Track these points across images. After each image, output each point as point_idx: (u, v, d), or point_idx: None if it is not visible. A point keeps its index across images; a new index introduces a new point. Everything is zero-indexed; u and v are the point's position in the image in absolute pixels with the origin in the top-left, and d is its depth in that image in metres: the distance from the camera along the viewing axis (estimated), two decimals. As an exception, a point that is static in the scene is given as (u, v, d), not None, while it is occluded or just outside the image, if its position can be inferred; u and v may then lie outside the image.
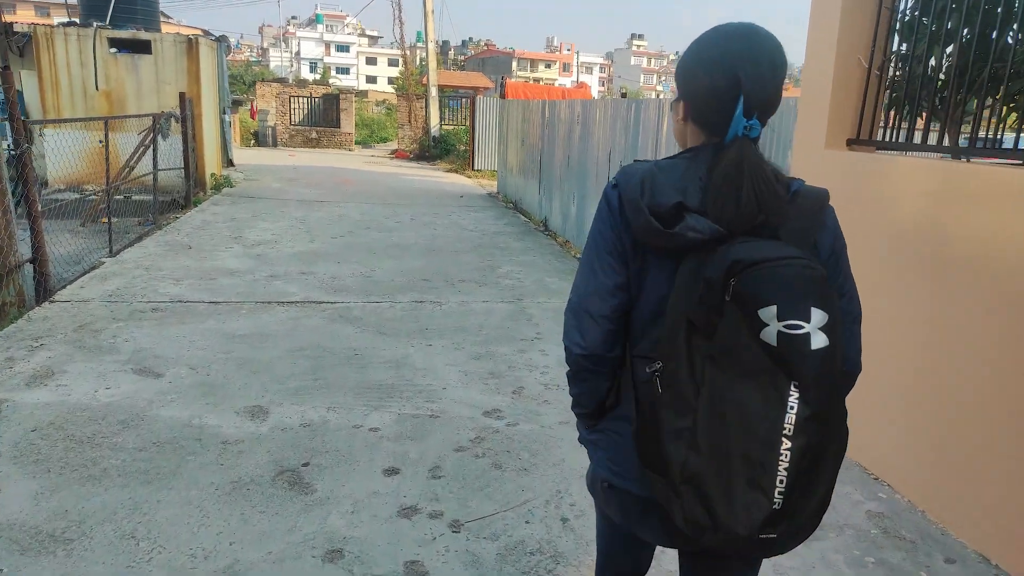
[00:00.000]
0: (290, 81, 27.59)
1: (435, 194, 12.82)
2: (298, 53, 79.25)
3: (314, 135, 23.33)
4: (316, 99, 24.07)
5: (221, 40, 13.16)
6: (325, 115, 23.91)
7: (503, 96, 14.49)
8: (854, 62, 3.51)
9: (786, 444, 1.07)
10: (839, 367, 1.12)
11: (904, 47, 3.44)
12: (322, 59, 77.41)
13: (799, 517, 1.13)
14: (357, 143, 25.49)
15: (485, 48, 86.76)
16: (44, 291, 5.39)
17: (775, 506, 1.09)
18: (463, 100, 23.78)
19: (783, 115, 4.11)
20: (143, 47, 10.62)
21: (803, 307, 1.08)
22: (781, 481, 1.08)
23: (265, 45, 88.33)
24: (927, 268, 2.95)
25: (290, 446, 3.26)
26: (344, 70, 76.16)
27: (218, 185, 11.60)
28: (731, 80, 1.19)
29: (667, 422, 1.16)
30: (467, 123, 22.12)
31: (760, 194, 1.17)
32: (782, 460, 1.08)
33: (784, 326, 1.07)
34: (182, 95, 10.04)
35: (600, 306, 1.30)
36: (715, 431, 1.11)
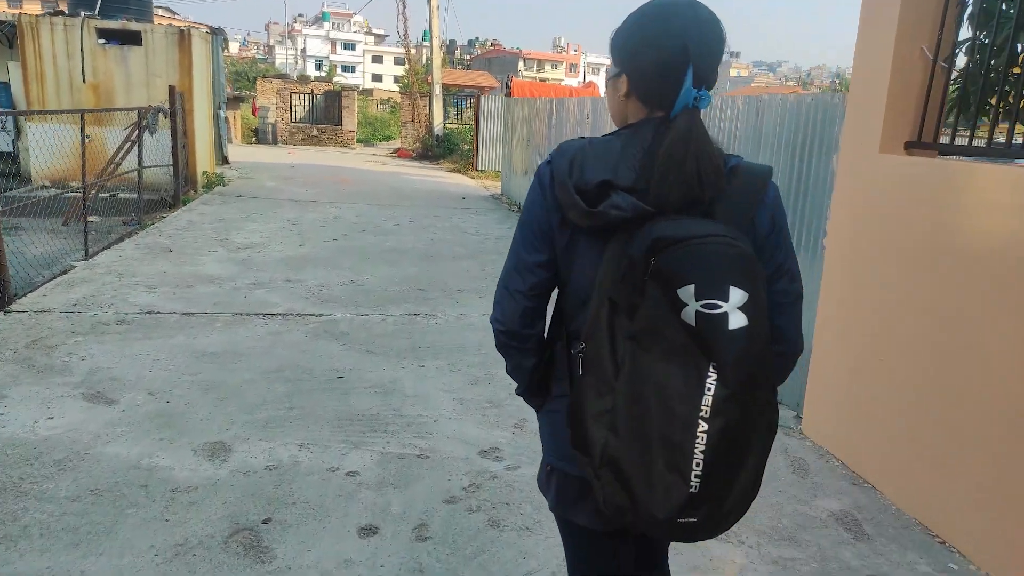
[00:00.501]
0: (292, 77, 27.13)
1: (436, 195, 12.34)
2: (304, 51, 78.94)
3: (315, 132, 22.87)
4: (318, 96, 23.62)
5: (216, 33, 12.69)
6: (327, 112, 23.46)
7: (509, 95, 13.99)
8: (916, 52, 3.01)
9: (703, 426, 1.05)
10: (762, 348, 1.10)
11: (980, 35, 2.93)
12: (328, 57, 77.12)
13: (723, 503, 1.10)
14: (359, 141, 25.03)
15: (491, 48, 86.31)
16: (2, 299, 4.92)
17: (692, 489, 1.06)
18: (468, 99, 23.31)
19: (826, 114, 3.61)
20: (133, 38, 10.16)
21: (721, 286, 1.06)
22: (698, 464, 1.06)
23: (271, 42, 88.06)
24: (1008, 295, 2.45)
25: (251, 495, 2.78)
26: (350, 68, 75.89)
27: (210, 183, 11.14)
28: (680, 51, 1.16)
29: (589, 403, 1.16)
30: (471, 122, 21.64)
31: (702, 170, 1.15)
32: (699, 443, 1.05)
33: (702, 305, 1.05)
34: (171, 88, 9.58)
35: (519, 282, 1.29)
36: (635, 413, 1.09)
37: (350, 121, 23.31)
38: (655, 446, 1.07)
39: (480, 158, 16.88)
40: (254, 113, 24.30)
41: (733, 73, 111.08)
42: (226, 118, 14.37)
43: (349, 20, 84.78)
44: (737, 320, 1.06)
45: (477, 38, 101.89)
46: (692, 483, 1.06)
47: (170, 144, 9.71)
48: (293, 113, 23.18)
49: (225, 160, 13.61)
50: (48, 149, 9.48)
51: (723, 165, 1.19)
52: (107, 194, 9.73)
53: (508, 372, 1.44)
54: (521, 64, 74.23)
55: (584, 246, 1.24)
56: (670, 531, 1.12)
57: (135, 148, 9.19)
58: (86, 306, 4.95)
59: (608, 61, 1.35)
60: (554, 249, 1.27)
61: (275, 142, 22.46)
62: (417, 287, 6.05)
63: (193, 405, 3.54)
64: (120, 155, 9.27)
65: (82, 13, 10.01)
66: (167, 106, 9.40)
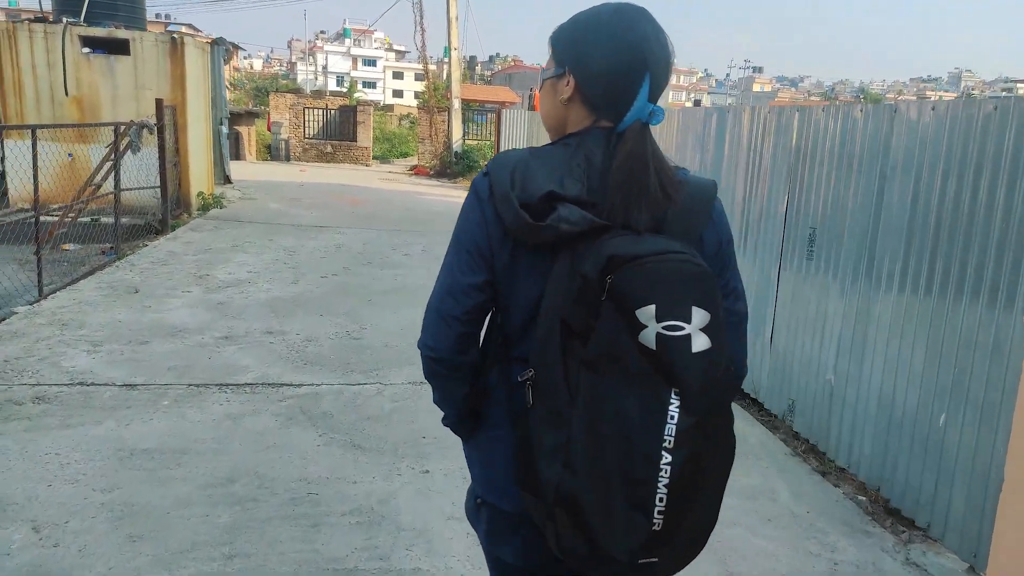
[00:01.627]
0: (306, 92, 26.37)
1: (453, 218, 11.01)
2: (325, 67, 79.05)
3: (329, 149, 21.98)
4: (332, 111, 22.76)
5: (218, 43, 11.79)
6: (341, 128, 22.58)
7: (533, 108, 12.92)
8: None
9: (666, 458, 0.98)
10: (724, 372, 1.04)
11: None
12: (349, 73, 77.09)
13: (682, 539, 1.03)
14: (375, 158, 24.11)
15: (512, 63, 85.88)
16: (-101, 364, 3.88)
17: (655, 527, 0.99)
18: (488, 114, 22.37)
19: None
20: (120, 47, 9.23)
21: (683, 307, 1.00)
22: (660, 499, 0.98)
23: (294, 59, 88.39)
24: None
25: None
26: (371, 84, 75.78)
27: (206, 206, 10.15)
28: (639, 61, 1.10)
29: (540, 437, 1.07)
30: (492, 138, 20.60)
31: (665, 185, 1.10)
32: (661, 476, 0.97)
33: (663, 327, 0.99)
34: (158, 102, 8.62)
35: (452, 306, 1.17)
36: (592, 446, 1.01)
37: (365, 137, 22.40)
38: (615, 482, 0.99)
39: (501, 176, 15.79)
40: (269, 129, 23.52)
41: (757, 88, 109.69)
42: (229, 134, 13.46)
43: (370, 36, 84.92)
44: (700, 343, 1.00)
45: (497, 54, 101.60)
46: (655, 520, 0.99)
47: (157, 164, 8.74)
48: (307, 129, 22.32)
49: (227, 179, 12.66)
50: (27, 169, 8.52)
51: (677, 179, 1.13)
52: (88, 218, 8.78)
53: (436, 402, 1.31)
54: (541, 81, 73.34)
55: (527, 264, 1.14)
56: (630, 574, 1.02)
57: (124, 166, 8.25)
58: (2, 375, 3.88)
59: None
60: (493, 269, 1.16)
61: (288, 159, 21.60)
62: (426, 341, 4.93)
63: (89, 550, 2.43)
64: (100, 175, 8.31)
65: (65, 20, 9.11)
66: (153, 121, 8.43)
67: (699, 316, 1.00)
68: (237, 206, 10.82)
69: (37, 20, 9.29)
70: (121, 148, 8.15)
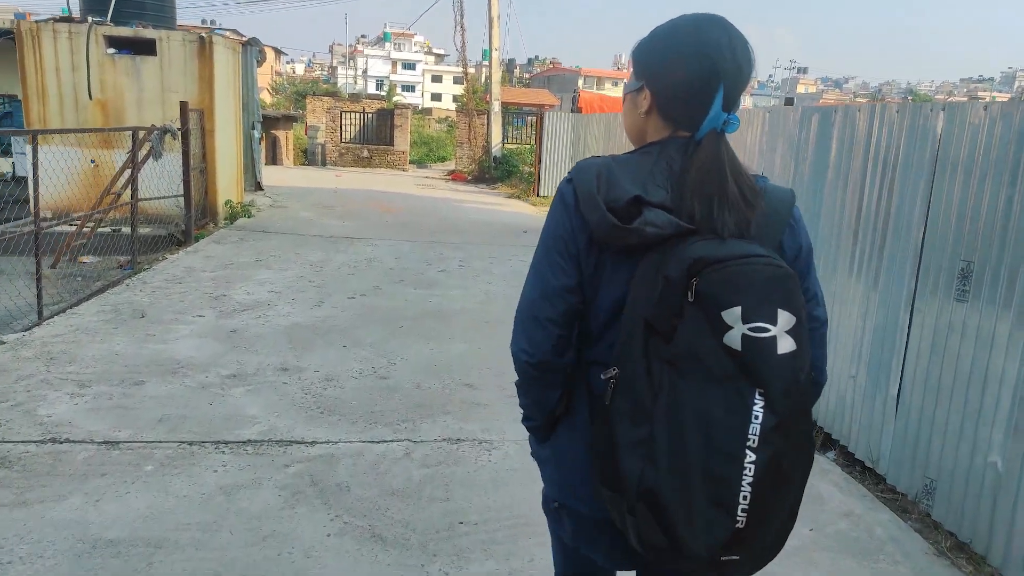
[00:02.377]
0: (344, 95, 26.02)
1: (493, 228, 10.53)
2: (366, 71, 79.44)
3: (365, 153, 21.51)
4: (369, 115, 22.30)
5: (250, 44, 11.30)
6: (378, 132, 22.11)
7: (577, 110, 12.14)
8: None
9: (750, 457, 0.99)
10: (807, 375, 1.06)
11: None
12: (388, 77, 77.31)
13: (763, 538, 1.05)
14: (412, 162, 23.61)
15: (551, 66, 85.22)
16: None
17: (738, 525, 1.00)
18: (527, 118, 21.67)
19: None
20: (147, 47, 8.76)
21: (769, 309, 1.01)
22: (744, 498, 0.99)
23: (335, 63, 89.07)
24: None
25: None
26: (410, 88, 75.90)
27: (234, 215, 9.63)
28: (711, 71, 1.12)
29: (622, 433, 1.08)
30: (532, 142, 19.90)
31: (744, 191, 1.11)
32: (746, 475, 0.99)
33: (749, 328, 1.00)
34: (183, 105, 8.10)
35: (549, 311, 1.20)
36: (674, 442, 1.02)
37: (403, 141, 21.88)
38: (695, 478, 1.00)
39: (543, 182, 15.05)
40: (307, 133, 23.19)
41: (801, 89, 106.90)
42: (263, 138, 13.00)
43: (410, 40, 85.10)
44: (786, 344, 1.01)
45: (536, 56, 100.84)
46: (739, 518, 0.99)
47: (181, 171, 8.23)
48: (343, 133, 21.91)
49: (259, 186, 12.17)
50: (50, 175, 8.06)
51: (759, 186, 1.14)
52: (108, 228, 8.31)
53: (524, 406, 1.32)
54: (581, 82, 72.58)
55: (611, 267, 1.17)
56: (712, 570, 1.04)
57: (141, 173, 7.76)
58: (-35, 426, 3.28)
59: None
60: (582, 272, 1.19)
61: (324, 164, 21.21)
62: (464, 381, 4.22)
63: None
64: (122, 184, 7.82)
65: (90, 19, 8.67)
66: (177, 126, 7.91)
67: (784, 318, 1.01)
68: (266, 215, 10.28)
69: (62, 20, 8.87)
70: (142, 154, 7.65)
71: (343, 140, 21.85)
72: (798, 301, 1.04)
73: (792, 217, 1.18)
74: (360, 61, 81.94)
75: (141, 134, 7.32)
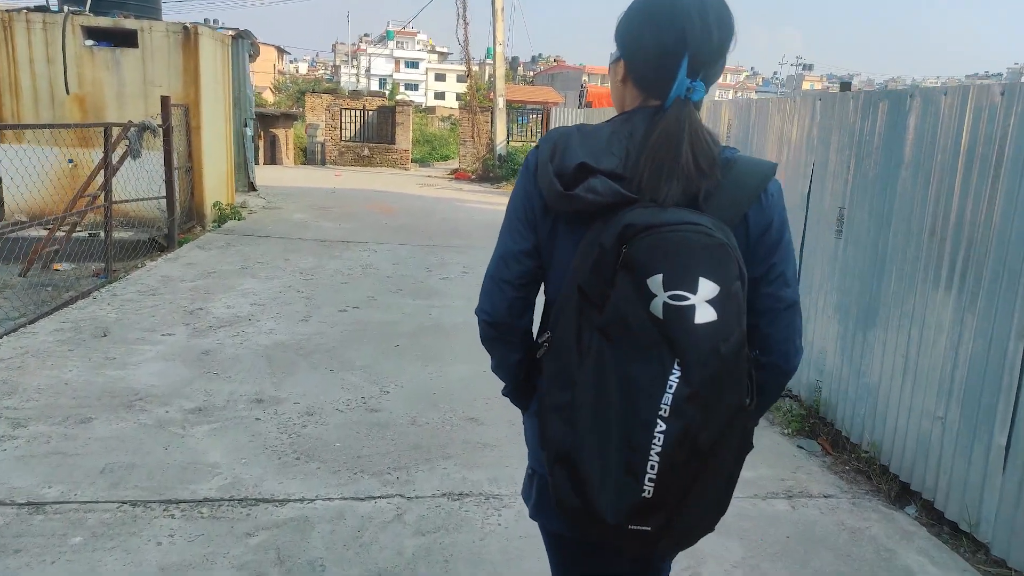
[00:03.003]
0: (344, 92, 25.43)
1: (497, 230, 9.91)
2: (368, 70, 78.93)
3: (366, 152, 20.92)
4: (370, 112, 21.69)
5: (241, 37, 10.71)
6: (379, 130, 21.51)
7: (587, 104, 11.54)
8: None
9: (660, 426, 0.99)
10: (733, 349, 1.01)
11: None
12: (391, 75, 76.78)
13: (682, 514, 1.03)
14: (414, 161, 23.01)
15: (554, 64, 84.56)
16: None
17: (645, 494, 1.00)
18: (531, 115, 21.07)
19: None
20: (128, 39, 8.18)
21: (690, 276, 1.01)
22: (652, 467, 0.99)
23: (338, 62, 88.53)
24: None
25: None
26: (413, 86, 75.37)
27: (222, 217, 9.05)
28: (677, 38, 1.11)
29: (549, 395, 1.11)
30: (538, 139, 19.25)
31: (699, 159, 1.10)
32: (655, 444, 0.99)
33: (669, 296, 1.00)
34: (164, 100, 7.50)
35: (505, 272, 1.24)
36: (596, 407, 1.03)
37: (404, 139, 21.27)
38: (613, 445, 1.01)
39: (549, 181, 14.43)
40: (307, 131, 22.61)
41: (806, 86, 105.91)
42: (258, 136, 12.41)
43: (413, 38, 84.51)
44: (705, 314, 1.00)
45: (540, 54, 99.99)
46: (645, 487, 0.99)
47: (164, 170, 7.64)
48: (344, 131, 21.31)
49: (252, 186, 11.58)
50: (24, 176, 7.49)
51: (718, 155, 1.13)
52: (86, 233, 7.75)
53: (493, 369, 1.36)
54: (585, 79, 71.82)
55: (563, 235, 1.19)
56: (621, 539, 1.04)
57: (118, 173, 7.19)
58: None
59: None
60: (538, 237, 1.22)
61: (323, 163, 20.63)
62: (468, 414, 3.63)
63: None
64: (99, 185, 7.24)
65: (66, 8, 8.10)
66: (157, 122, 7.32)
67: (707, 288, 1.00)
68: (258, 217, 9.70)
69: (37, 9, 8.30)
70: (120, 153, 7.07)
71: (343, 138, 21.26)
72: (727, 272, 1.02)
73: (765, 191, 1.16)
74: (363, 60, 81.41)
75: (115, 131, 6.73)
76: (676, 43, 1.10)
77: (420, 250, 7.97)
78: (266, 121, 24.43)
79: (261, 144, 23.21)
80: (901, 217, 3.10)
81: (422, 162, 24.58)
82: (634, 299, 1.01)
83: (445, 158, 26.73)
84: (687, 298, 0.99)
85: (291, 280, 6.23)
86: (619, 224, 1.04)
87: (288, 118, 26.07)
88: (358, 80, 73.32)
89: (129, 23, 8.17)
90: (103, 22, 8.13)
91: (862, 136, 3.38)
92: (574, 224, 1.14)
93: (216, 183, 9.22)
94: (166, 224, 7.73)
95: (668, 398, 0.98)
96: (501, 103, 17.06)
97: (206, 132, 8.69)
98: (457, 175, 19.07)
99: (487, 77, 27.37)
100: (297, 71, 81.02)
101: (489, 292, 1.26)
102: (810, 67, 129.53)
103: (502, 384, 1.37)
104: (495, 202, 13.63)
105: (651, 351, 1.00)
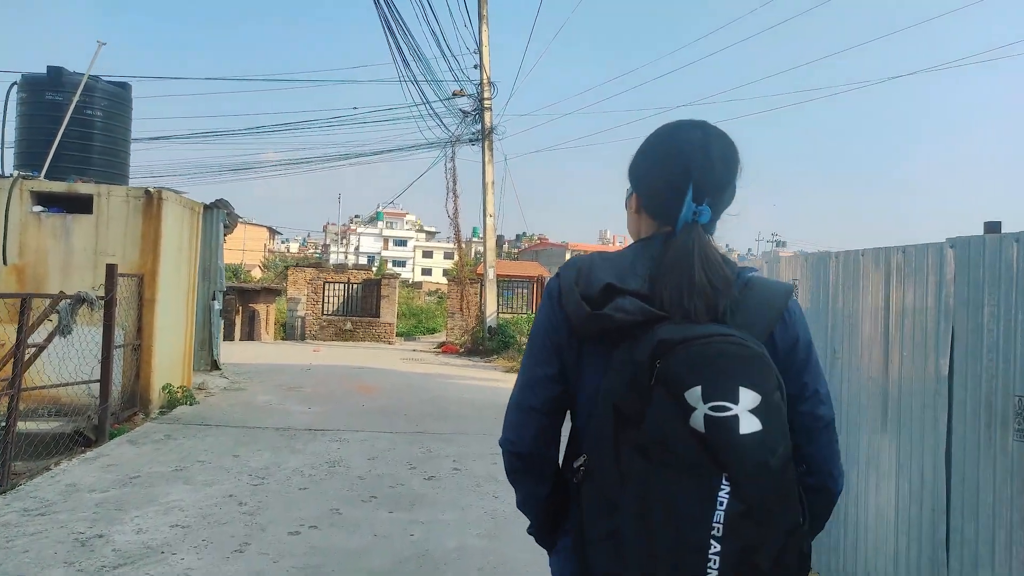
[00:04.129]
0: (329, 267, 25.09)
1: (491, 411, 8.63)
2: (358, 247, 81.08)
3: (348, 326, 20.01)
4: (355, 285, 21.10)
5: (216, 206, 10.06)
6: (364, 303, 20.79)
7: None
8: None
9: (714, 547, 0.93)
10: (781, 463, 0.98)
11: None
12: (379, 253, 78.74)
13: None
14: (399, 334, 22.11)
15: (538, 241, 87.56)
16: None
17: None
18: (517, 288, 20.65)
19: None
20: (82, 205, 7.39)
21: (730, 386, 0.98)
22: None
23: (328, 241, 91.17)
24: None
25: None
26: (401, 263, 77.10)
27: (172, 402, 7.76)
28: (683, 167, 1.17)
29: (590, 524, 1.07)
30: (529, 311, 18.61)
31: (711, 278, 1.11)
32: (711, 568, 0.93)
33: (710, 408, 0.97)
34: (110, 268, 6.52)
35: (531, 398, 1.23)
36: (641, 533, 0.98)
37: (389, 312, 20.50)
38: (663, 573, 0.96)
39: (544, 354, 13.40)
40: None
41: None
42: (220, 311, 11.43)
43: (402, 219, 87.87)
44: (749, 424, 0.96)
45: (524, 232, 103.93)
46: None
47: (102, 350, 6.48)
48: (326, 305, 20.56)
49: (215, 364, 10.39)
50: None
51: (732, 275, 1.15)
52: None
53: (518, 506, 1.33)
54: (568, 255, 73.91)
55: (590, 357, 1.18)
56: None
57: (46, 352, 6.02)
58: None
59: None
60: (564, 363, 1.21)
61: (303, 338, 19.64)
62: None
63: None
64: (15, 363, 6.03)
65: (16, 173, 7.37)
66: (96, 294, 6.28)
67: (748, 397, 0.98)
68: (215, 400, 8.41)
69: (-15, 175, 7.57)
70: (48, 328, 5.95)
71: (325, 312, 20.45)
72: (766, 381, 1.00)
73: (786, 310, 1.17)
74: (353, 239, 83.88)
75: (36, 303, 5.65)
76: (681, 176, 1.16)
77: (402, 439, 6.65)
78: (247, 296, 23.78)
79: (239, 320, 22.35)
80: None
81: (407, 335, 23.71)
82: (673, 415, 0.98)
83: (431, 331, 25.95)
84: (729, 408, 0.96)
85: (234, 486, 4.86)
86: (653, 340, 1.03)
87: (270, 293, 25.47)
88: (347, 257, 74.90)
89: (85, 188, 7.41)
90: (56, 187, 7.37)
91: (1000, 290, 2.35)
92: (602, 346, 1.14)
93: (170, 363, 8.04)
94: (96, 413, 6.43)
95: (720, 515, 0.93)
96: (491, 274, 16.48)
97: (162, 305, 7.66)
98: (444, 348, 18.05)
99: (474, 254, 27.44)
100: (288, 250, 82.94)
101: (514, 422, 1.24)
102: (783, 243, 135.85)
103: None
104: (487, 378, 12.46)
105: (693, 469, 0.95)
